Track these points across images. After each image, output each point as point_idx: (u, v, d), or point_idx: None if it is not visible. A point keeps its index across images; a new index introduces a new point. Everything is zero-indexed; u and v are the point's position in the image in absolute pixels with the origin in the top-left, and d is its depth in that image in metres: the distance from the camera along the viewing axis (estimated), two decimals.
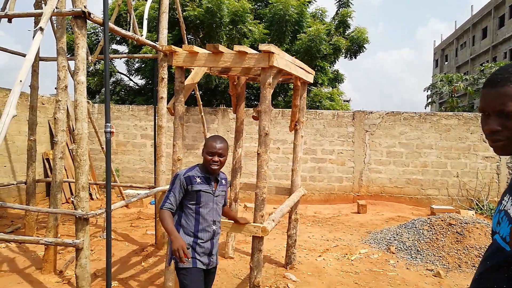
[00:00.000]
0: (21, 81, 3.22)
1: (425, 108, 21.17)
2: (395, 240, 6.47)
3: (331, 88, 13.24)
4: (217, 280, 4.78)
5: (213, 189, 2.85)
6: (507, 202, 1.27)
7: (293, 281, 4.89)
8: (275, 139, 10.03)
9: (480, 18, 31.58)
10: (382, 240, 6.58)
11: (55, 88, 4.80)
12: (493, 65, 17.74)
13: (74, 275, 3.87)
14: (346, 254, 6.01)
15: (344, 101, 19.83)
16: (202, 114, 6.90)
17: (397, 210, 9.25)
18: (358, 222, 8.17)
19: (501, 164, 9.67)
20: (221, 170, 2.92)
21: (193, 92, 7.26)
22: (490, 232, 1.50)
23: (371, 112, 10.00)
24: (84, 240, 3.62)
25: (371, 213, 8.98)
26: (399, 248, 6.17)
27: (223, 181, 2.95)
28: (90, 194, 9.30)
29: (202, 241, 2.80)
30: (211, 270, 2.95)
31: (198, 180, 2.80)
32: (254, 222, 3.63)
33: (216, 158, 2.76)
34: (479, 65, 21.74)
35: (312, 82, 5.10)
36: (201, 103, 6.79)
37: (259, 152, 3.52)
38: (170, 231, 2.69)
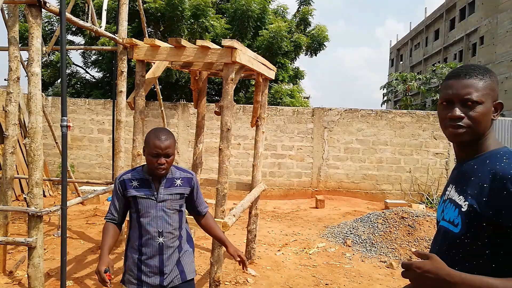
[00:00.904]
0: None
1: (381, 106, 21.92)
2: (351, 233, 6.69)
3: (291, 85, 13.40)
4: None
5: (155, 192, 2.32)
6: (449, 191, 1.45)
7: (253, 275, 4.95)
8: (236, 135, 10.05)
9: (432, 20, 33.00)
10: (339, 234, 6.78)
11: (5, 80, 4.58)
12: (443, 65, 18.60)
13: (26, 276, 3.72)
14: (305, 248, 6.15)
15: (304, 98, 20.14)
16: (162, 108, 6.80)
17: (354, 205, 9.55)
18: (316, 216, 8.36)
19: (450, 160, 10.20)
20: (179, 167, 2.47)
21: (153, 87, 7.13)
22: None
23: (330, 109, 10.23)
24: (37, 238, 3.49)
25: (328, 207, 9.21)
26: (355, 242, 6.38)
27: (178, 181, 2.38)
28: (43, 191, 8.93)
29: (146, 257, 2.33)
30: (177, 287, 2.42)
31: (134, 183, 2.33)
32: (214, 218, 3.64)
33: (163, 160, 2.23)
34: (431, 65, 22.75)
35: (273, 78, 5.16)
36: (161, 97, 6.69)
37: (221, 147, 3.53)
38: (101, 248, 2.32)
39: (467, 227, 1.28)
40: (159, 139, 2.24)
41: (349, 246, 6.26)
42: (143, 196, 2.31)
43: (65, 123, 3.51)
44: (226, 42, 3.39)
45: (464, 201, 1.31)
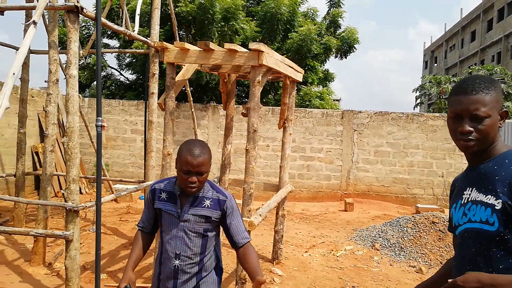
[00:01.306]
0: (14, 74, 3.26)
1: (414, 109, 21.48)
2: (380, 237, 6.62)
3: (321, 87, 13.37)
4: None
5: (179, 210, 2.11)
6: (469, 194, 1.51)
7: (279, 275, 5.00)
8: (265, 137, 10.12)
9: (469, 21, 32.01)
10: (367, 237, 6.72)
11: (45, 81, 4.85)
12: (480, 68, 18.05)
13: (63, 267, 3.92)
14: (332, 250, 6.14)
15: (334, 100, 19.98)
16: (193, 110, 6.96)
17: (384, 209, 9.41)
18: (344, 219, 8.31)
19: None
20: (215, 186, 2.21)
21: (184, 88, 7.31)
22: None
23: (360, 112, 10.15)
24: (74, 232, 3.67)
25: (358, 211, 9.13)
26: (384, 245, 6.31)
27: (207, 201, 2.12)
28: (80, 189, 9.30)
29: (163, 276, 2.16)
30: None
31: (163, 195, 2.16)
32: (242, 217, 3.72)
33: (194, 178, 2.01)
34: (467, 68, 22.09)
35: (301, 81, 5.20)
36: (191, 99, 6.85)
37: (247, 148, 3.61)
38: (127, 262, 2.18)
39: (505, 223, 1.35)
40: (191, 154, 1.99)
41: (378, 250, 6.20)
42: (167, 210, 2.14)
43: (100, 123, 3.68)
44: (253, 45, 3.47)
45: (496, 200, 1.37)
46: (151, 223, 2.25)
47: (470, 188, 1.50)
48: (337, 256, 5.87)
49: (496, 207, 1.37)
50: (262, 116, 10.07)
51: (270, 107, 10.42)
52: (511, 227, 1.35)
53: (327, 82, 13.63)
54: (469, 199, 1.49)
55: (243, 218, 3.67)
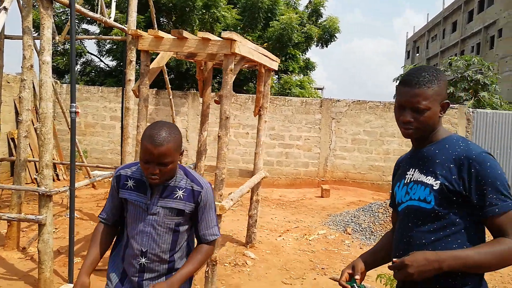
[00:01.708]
0: None
1: (394, 98, 21.79)
2: (352, 222, 6.85)
3: (302, 75, 13.49)
4: None
5: (148, 201, 1.84)
6: (412, 175, 1.67)
7: (252, 258, 5.16)
8: (244, 124, 10.23)
9: (450, 12, 32.42)
10: (340, 222, 6.94)
11: (21, 67, 4.82)
12: (459, 58, 18.39)
13: (37, 251, 3.99)
14: (305, 234, 6.33)
15: (317, 89, 20.16)
16: (171, 97, 7.01)
17: (359, 195, 9.66)
18: (320, 205, 8.52)
19: None
20: (191, 173, 1.91)
21: (162, 76, 7.33)
22: (392, 207, 1.87)
23: (338, 100, 10.32)
24: (47, 216, 3.74)
25: (334, 197, 9.36)
26: (355, 230, 6.54)
27: (180, 192, 1.84)
28: (57, 175, 9.28)
29: (129, 274, 1.92)
30: None
31: (130, 183, 1.88)
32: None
33: (155, 169, 1.72)
34: (448, 58, 22.47)
35: (276, 69, 5.30)
36: (169, 86, 6.89)
37: (219, 134, 3.72)
38: (83, 262, 1.91)
39: (440, 202, 1.52)
40: (152, 141, 1.68)
41: (349, 234, 6.42)
42: (133, 201, 1.86)
43: (74, 109, 3.73)
44: (225, 34, 3.56)
45: (435, 181, 1.54)
46: (115, 214, 1.96)
47: (413, 169, 1.66)
48: (310, 240, 6.06)
49: (434, 187, 1.53)
50: (242, 104, 10.16)
51: (250, 95, 10.50)
52: (444, 205, 1.51)
53: (308, 71, 13.76)
54: (412, 179, 1.64)
55: (215, 202, 3.80)
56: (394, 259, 1.50)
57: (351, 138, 10.32)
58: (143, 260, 1.86)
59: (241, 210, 7.50)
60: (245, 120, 10.18)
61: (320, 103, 10.35)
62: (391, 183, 1.87)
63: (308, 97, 11.96)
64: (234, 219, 7.01)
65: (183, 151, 1.85)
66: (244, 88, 12.00)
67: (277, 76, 12.90)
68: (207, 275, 3.94)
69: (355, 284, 1.63)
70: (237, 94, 10.51)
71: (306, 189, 10.16)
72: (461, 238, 1.51)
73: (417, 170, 1.64)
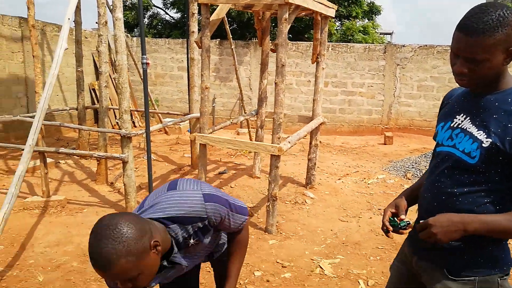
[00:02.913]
0: (69, 19, 3.74)
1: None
2: (413, 168, 6.88)
3: (366, 20, 12.99)
4: (245, 195, 5.47)
5: (180, 272, 1.69)
6: (461, 121, 1.51)
7: (311, 198, 5.50)
8: (306, 72, 10.28)
9: None
10: (401, 168, 7.01)
11: (96, 23, 5.32)
12: None
13: (123, 186, 4.63)
14: (364, 178, 6.52)
15: (384, 34, 19.28)
16: (233, 47, 7.26)
17: (424, 142, 9.51)
18: (382, 152, 8.57)
19: None
20: (181, 219, 1.49)
21: (223, 26, 7.55)
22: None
23: (403, 46, 9.94)
24: (128, 155, 4.30)
25: (397, 144, 9.32)
26: (415, 175, 6.59)
27: (192, 240, 1.57)
28: (134, 122, 10.14)
29: None
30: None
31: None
32: (272, 143, 4.16)
33: (126, 283, 1.29)
34: None
35: (333, 16, 5.31)
36: (231, 36, 7.12)
37: (276, 81, 3.94)
38: None
39: (485, 160, 1.39)
40: (94, 262, 1.23)
41: (409, 179, 6.50)
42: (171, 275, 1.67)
43: (144, 60, 4.14)
44: None
45: (486, 138, 1.38)
46: None
47: (464, 115, 1.50)
48: (368, 184, 6.25)
49: (483, 145, 1.39)
50: (304, 51, 10.16)
51: (312, 42, 10.42)
52: (489, 163, 1.40)
53: (372, 16, 13.18)
54: (460, 126, 1.50)
55: (273, 144, 4.11)
56: (421, 221, 1.47)
57: (416, 85, 10.00)
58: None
59: (303, 155, 7.80)
60: (306, 68, 10.22)
61: (384, 49, 10.05)
62: None
63: (372, 43, 11.59)
64: (296, 163, 7.35)
65: (154, 245, 1.32)
66: (306, 35, 11.88)
67: (339, 22, 12.56)
68: (268, 209, 4.34)
69: (396, 222, 1.60)
70: (298, 42, 10.50)
71: (369, 137, 10.17)
72: (493, 197, 1.42)
73: (468, 118, 1.47)
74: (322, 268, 3.67)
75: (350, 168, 7.19)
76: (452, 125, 1.53)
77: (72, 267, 3.51)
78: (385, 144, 9.38)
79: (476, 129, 1.42)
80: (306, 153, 6.18)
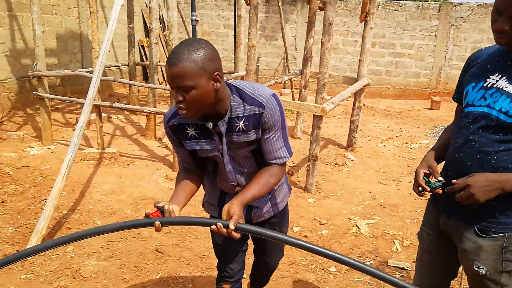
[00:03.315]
0: None
1: None
2: None
3: None
4: None
5: (219, 146, 1.66)
6: (497, 80, 1.50)
7: (351, 160, 5.54)
8: (353, 32, 9.99)
9: None
10: None
11: None
12: None
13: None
14: (407, 143, 6.44)
15: None
16: (280, 4, 7.17)
17: None
18: (428, 117, 8.36)
19: None
20: (250, 94, 1.58)
21: None
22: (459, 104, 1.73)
23: (460, 4, 9.37)
24: None
25: (444, 109, 9.03)
26: None
27: (240, 123, 1.59)
28: None
29: (229, 196, 1.86)
30: (265, 222, 1.92)
31: (191, 131, 1.64)
32: (315, 103, 4.20)
33: (179, 97, 1.43)
34: None
35: None
36: None
37: (322, 40, 3.93)
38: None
39: None
40: (168, 61, 1.42)
41: None
42: (201, 149, 1.67)
43: (194, 18, 4.22)
44: None
45: None
46: (195, 160, 1.78)
47: (500, 75, 1.49)
48: (411, 148, 6.19)
49: None
50: (352, 10, 9.84)
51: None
52: None
53: None
54: (495, 85, 1.49)
55: (316, 105, 4.15)
56: (453, 181, 1.47)
57: (471, 47, 9.49)
58: (238, 188, 1.79)
59: (345, 117, 7.77)
60: (354, 27, 9.92)
61: (439, 8, 9.52)
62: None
63: (426, 0, 10.99)
64: (338, 125, 7.35)
65: (217, 75, 1.46)
66: None
67: None
68: (308, 168, 4.46)
69: (431, 183, 1.60)
70: None
71: (415, 101, 9.90)
72: None
73: (505, 78, 1.47)
74: (359, 227, 3.78)
75: (393, 132, 7.10)
76: (485, 85, 1.52)
77: (125, 214, 3.83)
78: (431, 109, 9.11)
79: None
80: (349, 116, 6.16)
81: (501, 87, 1.47)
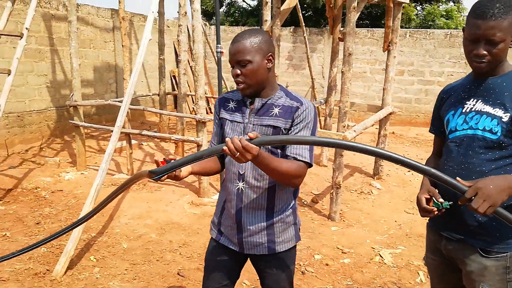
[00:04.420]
0: (153, 11, 4.11)
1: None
2: None
3: (452, 3, 12.23)
4: (311, 183, 5.60)
5: (245, 119, 1.74)
6: (473, 105, 1.63)
7: (378, 188, 5.49)
8: (381, 60, 10.02)
9: None
10: None
11: (177, 12, 5.72)
12: None
13: None
14: None
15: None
16: (305, 35, 7.33)
17: None
18: None
19: None
20: (291, 93, 1.77)
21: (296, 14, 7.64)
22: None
23: None
24: (202, 138, 4.65)
25: None
26: None
27: (276, 109, 1.71)
28: (210, 108, 10.66)
29: (228, 202, 1.83)
30: (262, 258, 1.82)
31: (232, 104, 1.82)
32: (337, 131, 4.24)
33: (237, 71, 1.65)
34: None
35: (407, 2, 5.17)
36: (303, 24, 7.19)
37: (343, 70, 4.01)
38: None
39: (506, 133, 1.53)
40: (233, 41, 1.68)
41: None
42: (231, 121, 1.78)
43: (219, 50, 4.41)
44: None
45: (505, 113, 1.53)
46: (220, 139, 1.88)
47: (475, 100, 1.63)
48: None
49: (503, 119, 1.53)
50: (379, 39, 9.91)
51: None
52: (510, 136, 1.53)
53: None
54: (473, 109, 1.62)
55: (338, 132, 4.19)
56: (458, 179, 1.37)
57: None
58: (240, 184, 1.75)
59: (373, 145, 7.72)
60: (381, 56, 9.95)
61: None
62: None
63: (455, 28, 10.93)
64: None
65: (270, 55, 1.69)
66: (382, 21, 11.51)
67: (420, 7, 11.96)
68: (332, 196, 4.45)
69: (439, 203, 1.61)
70: (374, 28, 10.24)
71: None
72: None
73: (480, 100, 1.61)
74: (382, 257, 3.72)
75: (422, 161, 6.91)
76: (464, 110, 1.65)
77: (151, 238, 3.93)
78: None
79: (492, 108, 1.56)
80: (375, 144, 6.14)
81: (479, 109, 1.61)
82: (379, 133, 5.72)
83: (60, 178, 5.43)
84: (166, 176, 1.61)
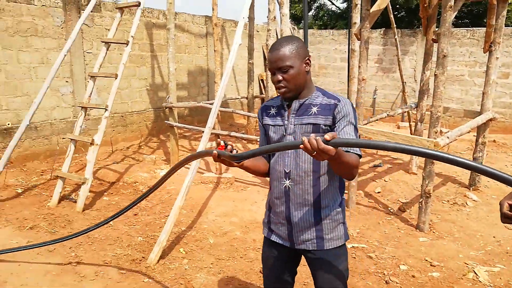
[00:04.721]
0: (243, 18, 4.28)
1: None
2: None
3: None
4: (399, 190, 5.38)
5: (285, 121, 1.83)
6: None
7: (474, 200, 5.09)
8: (481, 62, 9.26)
9: None
10: None
11: (267, 17, 5.86)
12: None
13: None
14: None
15: None
16: (396, 37, 7.06)
17: None
18: None
19: None
20: (327, 92, 1.84)
21: (387, 15, 7.38)
22: None
23: None
24: None
25: None
26: None
27: (314, 108, 1.79)
28: None
29: (274, 200, 1.92)
30: (312, 254, 1.88)
31: (273, 111, 1.91)
32: (428, 137, 4.03)
33: (278, 77, 1.75)
34: None
35: None
36: (394, 26, 6.93)
37: (436, 73, 3.79)
38: None
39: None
40: (271, 50, 1.78)
41: None
42: (273, 125, 1.87)
43: None
44: None
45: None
46: (267, 144, 1.94)
47: None
48: None
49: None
50: (480, 39, 9.17)
51: None
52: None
53: None
54: None
55: (429, 138, 3.98)
56: None
57: None
58: (287, 182, 1.83)
59: (470, 153, 7.17)
60: (482, 57, 9.18)
61: None
62: None
63: None
64: None
65: (307, 59, 1.78)
66: (484, 20, 10.61)
67: None
68: (420, 206, 4.24)
69: None
70: (474, 28, 9.49)
71: None
72: None
73: None
74: (477, 274, 3.46)
75: None
76: None
77: (235, 235, 4.10)
78: None
79: None
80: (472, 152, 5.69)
81: None
82: (476, 140, 5.30)
83: (156, 174, 5.88)
84: (229, 160, 1.71)
